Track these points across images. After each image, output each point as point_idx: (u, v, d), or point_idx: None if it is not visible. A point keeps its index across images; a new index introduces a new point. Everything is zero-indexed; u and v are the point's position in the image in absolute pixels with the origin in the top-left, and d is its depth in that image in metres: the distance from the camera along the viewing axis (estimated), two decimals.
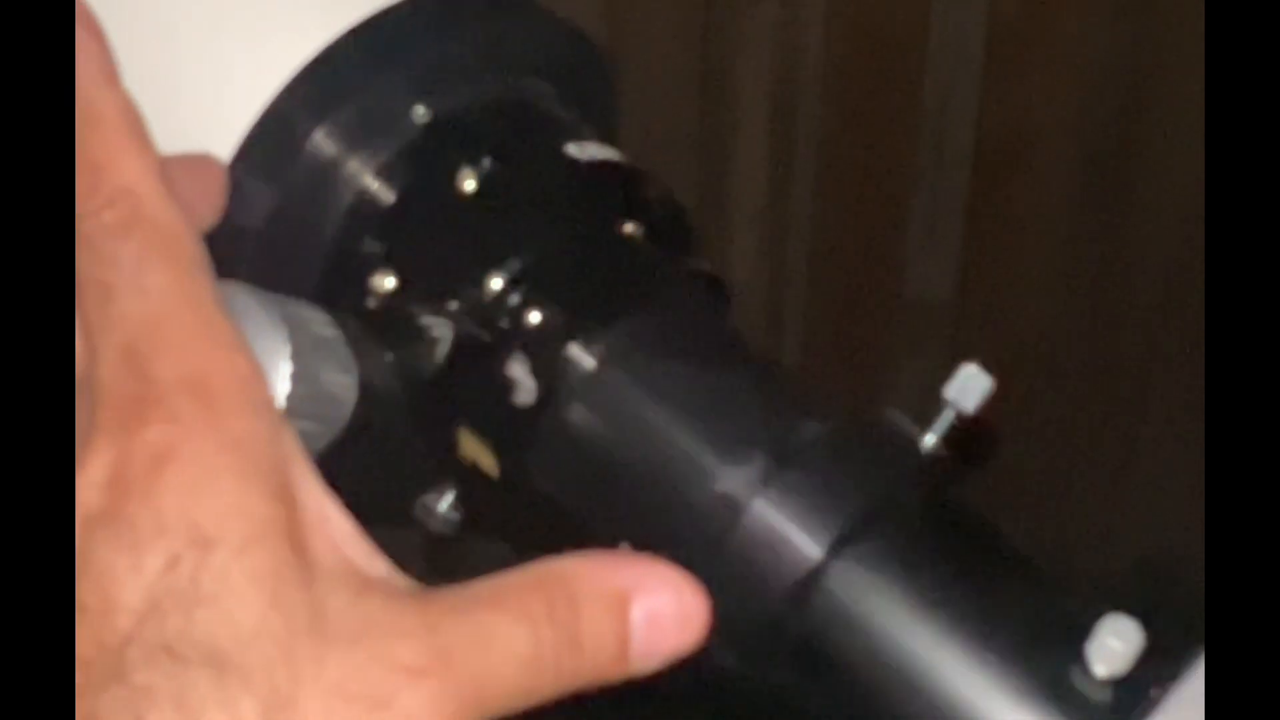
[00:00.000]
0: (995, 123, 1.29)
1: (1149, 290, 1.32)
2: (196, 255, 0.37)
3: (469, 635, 0.36)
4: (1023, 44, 1.27)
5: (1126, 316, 1.32)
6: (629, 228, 0.45)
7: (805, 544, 0.41)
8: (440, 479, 0.48)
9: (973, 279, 1.33)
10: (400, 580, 0.37)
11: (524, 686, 0.36)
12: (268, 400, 0.36)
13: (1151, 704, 0.39)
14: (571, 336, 0.43)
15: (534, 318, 0.43)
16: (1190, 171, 1.27)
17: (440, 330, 0.44)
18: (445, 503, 0.48)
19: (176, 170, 0.38)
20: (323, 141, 0.44)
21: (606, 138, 0.47)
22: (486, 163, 0.44)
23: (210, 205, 0.41)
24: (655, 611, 0.38)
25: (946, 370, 1.46)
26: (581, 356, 0.43)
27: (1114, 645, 0.39)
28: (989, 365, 1.56)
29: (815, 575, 0.41)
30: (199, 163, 0.42)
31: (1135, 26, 1.25)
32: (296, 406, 0.41)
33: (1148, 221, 1.31)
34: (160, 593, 0.34)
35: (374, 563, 0.37)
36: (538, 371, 0.43)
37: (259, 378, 0.36)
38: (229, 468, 0.35)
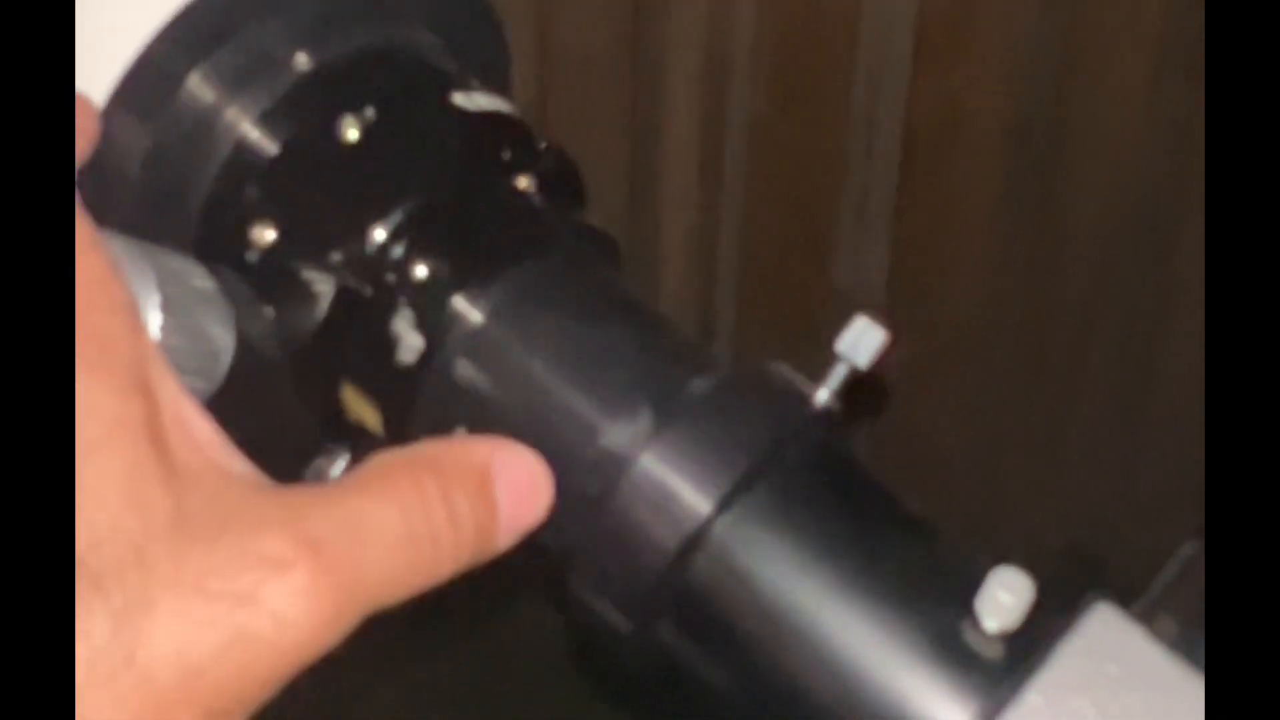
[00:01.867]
0: (926, 109, 1.29)
1: (1079, 276, 1.32)
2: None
3: (337, 522, 0.34)
4: (953, 30, 1.26)
5: (1057, 302, 1.32)
6: (521, 182, 0.45)
7: (693, 499, 0.40)
8: (333, 442, 0.47)
9: (903, 265, 1.33)
10: (263, 479, 0.35)
11: (401, 572, 0.35)
12: (125, 302, 0.35)
13: (1042, 657, 0.38)
14: (457, 289, 0.42)
15: (419, 271, 0.42)
16: (1120, 155, 1.27)
17: (322, 285, 0.43)
18: (338, 467, 0.47)
19: None
20: (200, 86, 0.43)
21: (498, 91, 0.46)
22: (369, 112, 0.43)
23: (81, 146, 0.40)
24: (513, 482, 0.37)
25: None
26: (467, 310, 0.42)
27: (1004, 599, 0.38)
28: (919, 351, 1.56)
29: (703, 530, 0.40)
30: None
31: (1065, 12, 1.25)
32: (170, 359, 0.40)
33: (1078, 207, 1.31)
34: None
35: (235, 462, 0.35)
36: (422, 326, 0.42)
37: (116, 280, 0.35)
38: (83, 365, 0.33)
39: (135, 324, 0.35)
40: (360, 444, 0.46)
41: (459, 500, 0.36)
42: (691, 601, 0.41)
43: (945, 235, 1.34)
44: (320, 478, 0.47)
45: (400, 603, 0.35)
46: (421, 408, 0.43)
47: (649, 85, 1.31)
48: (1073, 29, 1.27)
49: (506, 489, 0.37)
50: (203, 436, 0.35)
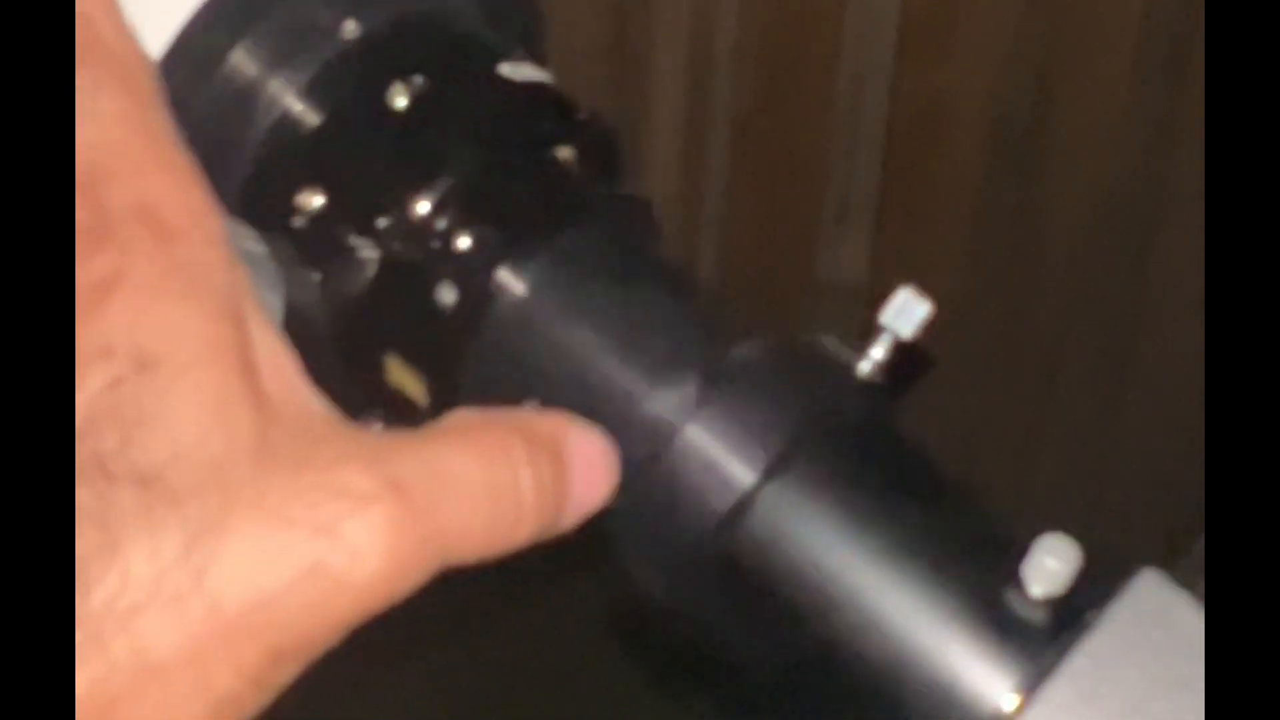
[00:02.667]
0: (909, 106, 1.30)
1: (1058, 272, 1.33)
2: (152, 87, 0.36)
3: (422, 464, 0.34)
4: (936, 28, 1.27)
5: (1035, 298, 1.33)
6: (561, 152, 0.45)
7: (738, 468, 0.41)
8: (367, 409, 0.47)
9: (885, 260, 1.34)
10: (346, 420, 0.35)
11: (481, 527, 0.34)
12: (221, 233, 0.35)
13: (1087, 624, 0.38)
14: (501, 259, 0.42)
15: (464, 241, 0.43)
16: (1099, 153, 1.28)
17: (368, 252, 0.43)
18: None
19: None
20: (244, 59, 0.43)
21: (538, 61, 0.46)
22: (419, 80, 0.43)
23: None
24: (585, 460, 0.37)
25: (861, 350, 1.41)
26: (511, 280, 0.43)
27: (1050, 565, 0.39)
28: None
29: (748, 499, 0.40)
30: None
31: (1047, 10, 1.26)
32: None
33: (1057, 204, 1.32)
34: (99, 411, 0.32)
35: (319, 402, 0.35)
36: (466, 295, 0.42)
37: (213, 211, 0.35)
38: (177, 290, 0.33)
39: (230, 256, 0.35)
40: (399, 415, 0.46)
41: (543, 464, 0.36)
42: (736, 569, 0.41)
43: (927, 231, 1.35)
44: None
45: (472, 563, 0.35)
46: (466, 378, 0.43)
47: (633, 81, 1.31)
48: (1054, 27, 1.28)
49: (578, 466, 0.37)
50: (290, 371, 0.35)
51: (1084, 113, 1.28)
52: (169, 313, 0.33)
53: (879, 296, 1.56)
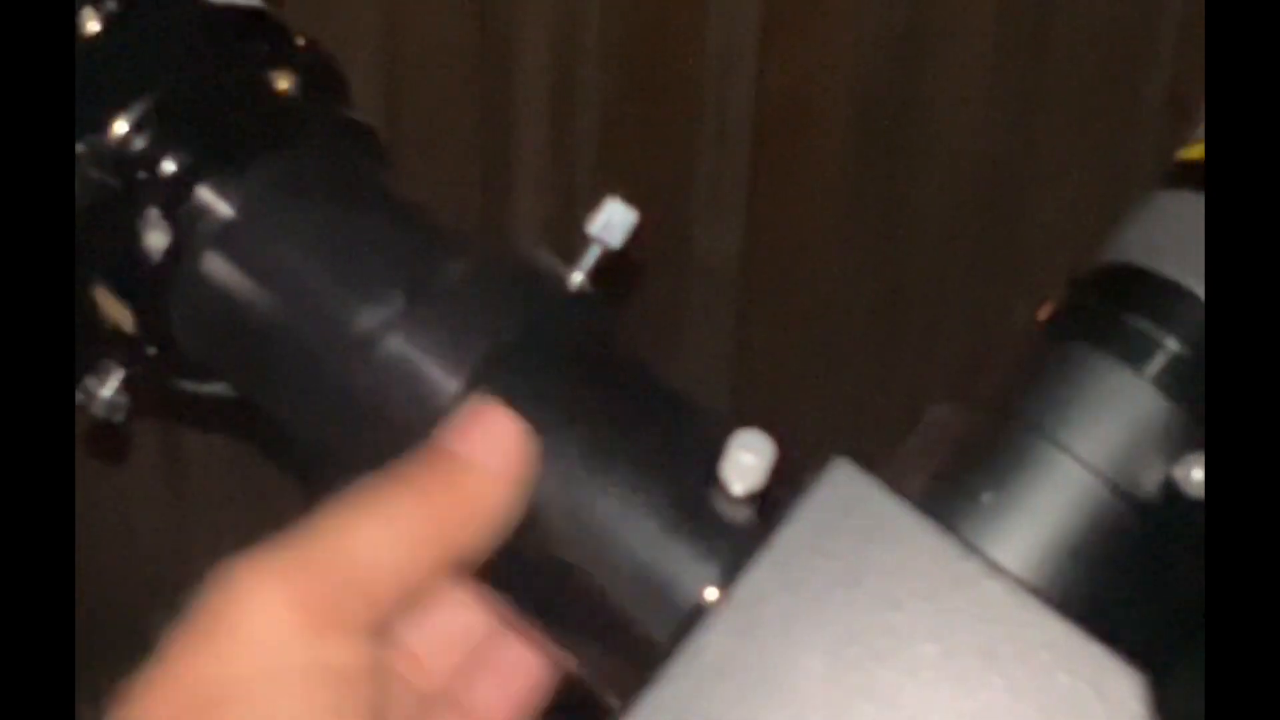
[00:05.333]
0: (775, 90, 1.30)
1: (930, 250, 1.33)
2: None
3: None
4: (799, 9, 1.27)
5: (909, 276, 1.34)
6: (278, 79, 0.44)
7: (440, 377, 0.40)
8: (101, 360, 0.46)
9: (758, 244, 1.34)
10: None
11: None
12: None
13: (789, 513, 0.38)
14: (203, 180, 0.42)
15: (167, 166, 0.42)
16: (964, 132, 1.29)
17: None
18: (110, 386, 0.46)
19: None
20: None
21: None
22: (110, 4, 0.42)
23: None
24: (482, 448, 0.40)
25: (735, 332, 1.45)
26: (216, 203, 0.42)
27: (746, 459, 0.38)
28: (776, 326, 1.56)
29: (454, 407, 0.40)
30: None
31: None
32: None
33: (925, 183, 1.33)
34: None
35: None
36: (171, 220, 0.42)
37: None
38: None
39: None
40: (121, 352, 0.45)
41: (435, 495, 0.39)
42: None
43: (798, 214, 1.35)
44: (90, 398, 0.46)
45: None
46: (174, 306, 0.43)
47: (499, 69, 1.31)
48: (916, 10, 1.28)
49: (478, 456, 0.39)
50: None
51: (948, 91, 1.29)
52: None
53: (753, 279, 1.56)
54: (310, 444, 0.42)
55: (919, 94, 1.29)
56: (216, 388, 0.46)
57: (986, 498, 0.38)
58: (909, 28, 1.28)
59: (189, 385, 0.47)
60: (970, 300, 1.33)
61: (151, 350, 0.44)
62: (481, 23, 1.25)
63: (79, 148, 0.42)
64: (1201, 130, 0.41)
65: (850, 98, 1.30)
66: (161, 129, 0.42)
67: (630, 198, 1.45)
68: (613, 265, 0.42)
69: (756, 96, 1.28)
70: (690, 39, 1.27)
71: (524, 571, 0.40)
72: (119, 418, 0.47)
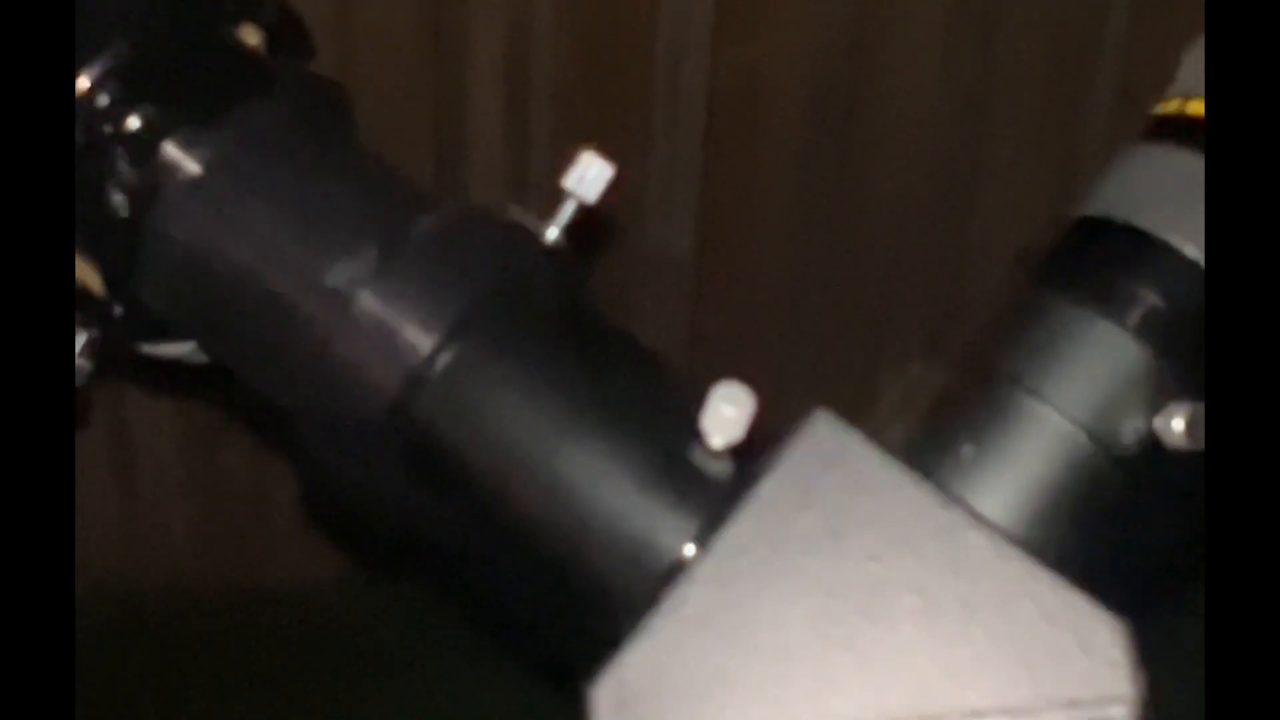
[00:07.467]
0: (727, 80, 1.30)
1: (881, 237, 1.33)
2: None
3: None
4: (752, 2, 1.28)
5: (862, 263, 1.34)
6: (245, 34, 0.44)
7: (413, 333, 0.39)
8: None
9: (712, 232, 1.33)
10: None
11: None
12: None
13: (770, 465, 0.37)
14: (170, 135, 0.41)
15: (133, 121, 0.41)
16: (914, 122, 1.29)
17: None
18: (76, 350, 0.45)
19: None
20: None
21: None
22: None
23: None
24: None
25: (690, 323, 1.44)
26: (183, 158, 0.41)
27: (726, 411, 0.38)
28: (729, 314, 1.55)
29: (427, 365, 0.39)
30: None
31: None
32: None
33: (876, 172, 1.33)
34: None
35: None
36: (135, 175, 0.41)
37: None
38: None
39: None
40: (86, 314, 0.44)
41: None
42: (421, 443, 0.40)
43: (751, 202, 1.35)
44: None
45: None
46: (143, 263, 0.42)
47: (452, 58, 1.30)
48: (868, 2, 1.29)
49: None
50: None
51: (900, 81, 1.29)
52: None
53: (706, 268, 1.55)
54: (279, 405, 0.42)
55: (871, 85, 1.29)
56: (180, 349, 0.45)
57: (967, 450, 0.38)
58: (861, 19, 1.28)
59: (150, 348, 0.46)
60: (921, 289, 1.34)
61: (118, 309, 0.43)
62: (435, 14, 1.24)
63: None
64: (1176, 85, 0.41)
65: (803, 88, 1.30)
66: (126, 84, 0.41)
67: None
68: (586, 220, 0.42)
69: (709, 86, 1.28)
70: (643, 30, 1.27)
71: (497, 534, 0.39)
72: (81, 382, 0.46)
